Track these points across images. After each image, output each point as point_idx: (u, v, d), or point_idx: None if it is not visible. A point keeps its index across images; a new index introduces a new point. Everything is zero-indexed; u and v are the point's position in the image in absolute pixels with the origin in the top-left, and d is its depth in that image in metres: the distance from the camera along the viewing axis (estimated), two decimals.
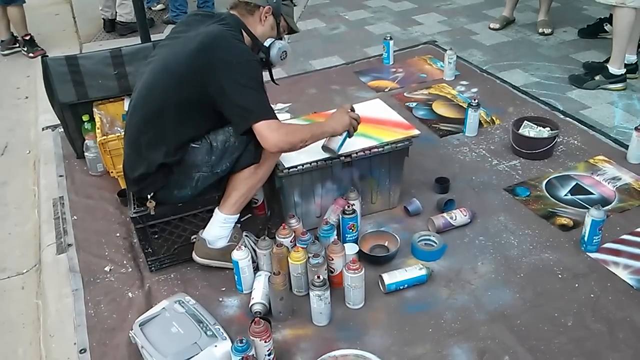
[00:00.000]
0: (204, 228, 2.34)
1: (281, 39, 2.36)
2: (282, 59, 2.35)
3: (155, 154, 2.17)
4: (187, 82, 2.10)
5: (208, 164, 2.21)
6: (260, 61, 2.24)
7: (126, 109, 2.90)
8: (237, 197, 2.28)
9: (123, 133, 2.44)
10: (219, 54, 2.08)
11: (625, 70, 3.64)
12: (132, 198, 2.34)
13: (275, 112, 2.42)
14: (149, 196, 2.25)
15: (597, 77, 3.68)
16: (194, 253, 2.37)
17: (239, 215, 2.35)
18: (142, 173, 2.21)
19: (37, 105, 3.97)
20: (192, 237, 2.37)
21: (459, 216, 2.54)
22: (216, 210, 2.31)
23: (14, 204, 3.18)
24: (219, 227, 2.31)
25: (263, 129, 2.08)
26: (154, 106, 2.17)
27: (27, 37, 4.88)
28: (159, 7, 5.68)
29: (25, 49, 4.91)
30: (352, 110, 2.42)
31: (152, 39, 3.57)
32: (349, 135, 2.37)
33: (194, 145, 2.20)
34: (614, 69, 3.62)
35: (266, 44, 2.30)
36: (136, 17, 3.69)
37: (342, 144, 2.36)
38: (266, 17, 2.26)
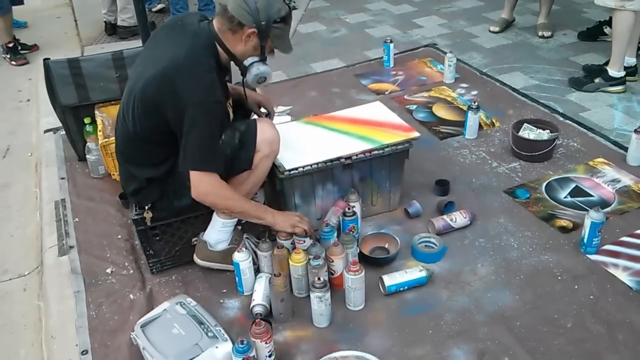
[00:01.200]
0: (204, 230, 2.35)
1: (265, 59, 2.16)
2: (259, 83, 2.19)
3: (141, 169, 2.20)
4: (149, 109, 2.06)
5: None
6: (219, 103, 2.07)
7: None
8: None
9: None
10: (176, 88, 1.98)
11: (624, 72, 3.65)
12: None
13: (276, 114, 2.41)
14: (146, 207, 2.27)
15: (596, 80, 3.69)
16: (195, 255, 2.37)
17: (237, 218, 2.36)
18: (135, 188, 2.24)
19: (39, 108, 3.98)
20: (193, 240, 2.38)
21: (459, 218, 2.55)
22: (214, 214, 2.31)
23: (16, 206, 3.20)
24: (218, 231, 2.32)
25: (194, 179, 2.05)
26: (128, 127, 2.16)
27: (11, 45, 4.88)
28: (159, 6, 5.67)
29: (9, 57, 4.92)
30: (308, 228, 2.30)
31: None
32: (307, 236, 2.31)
33: None
34: (614, 71, 3.63)
35: (245, 63, 2.14)
36: (137, 20, 3.70)
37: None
38: (250, 37, 2.07)
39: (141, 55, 2.27)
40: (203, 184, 2.06)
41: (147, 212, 2.26)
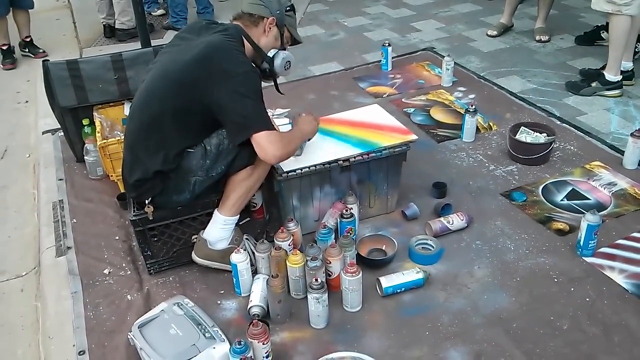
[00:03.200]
0: (204, 229, 2.35)
1: (285, 49, 2.38)
2: (286, 69, 2.37)
3: (153, 160, 2.19)
4: (185, 90, 2.12)
5: (203, 168, 2.21)
6: (259, 72, 2.25)
7: (126, 113, 2.93)
8: (236, 199, 2.29)
9: (123, 137, 2.46)
10: (218, 65, 2.09)
11: (621, 77, 3.67)
12: (132, 201, 2.35)
13: (275, 117, 2.43)
14: (147, 201, 2.27)
15: (593, 84, 3.71)
16: (193, 253, 2.37)
17: (238, 216, 2.36)
18: (139, 178, 2.22)
19: (37, 110, 3.99)
20: (193, 237, 2.38)
21: (455, 220, 2.55)
22: (215, 212, 2.32)
23: (14, 207, 3.20)
24: (219, 229, 2.32)
25: (262, 140, 2.09)
26: (152, 112, 2.19)
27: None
28: (159, 12, 5.71)
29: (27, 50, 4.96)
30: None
31: (152, 44, 3.60)
32: (309, 139, 2.44)
33: (188, 150, 2.21)
34: (610, 75, 3.65)
35: (270, 54, 2.33)
36: (136, 22, 3.72)
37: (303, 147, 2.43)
38: (270, 27, 2.29)
39: (168, 47, 2.36)
40: (273, 144, 2.10)
41: (148, 207, 2.26)
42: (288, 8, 2.33)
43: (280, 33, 2.33)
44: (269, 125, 2.12)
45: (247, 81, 2.11)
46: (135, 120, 2.26)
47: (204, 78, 2.09)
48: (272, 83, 2.48)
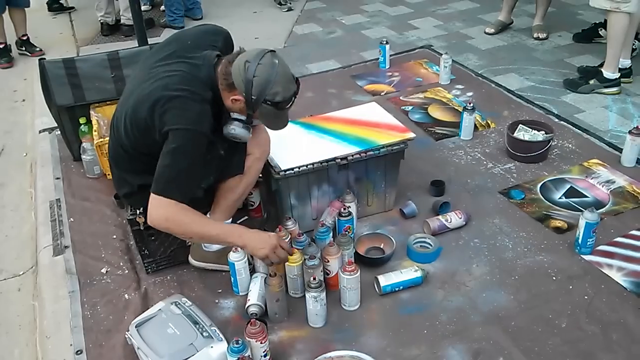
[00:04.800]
0: None
1: (250, 123, 2.09)
2: (229, 138, 2.12)
3: (132, 177, 2.19)
4: (142, 130, 2.03)
5: None
6: (202, 135, 1.98)
7: None
8: (226, 206, 2.28)
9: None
10: (165, 115, 1.94)
11: (619, 74, 3.66)
12: None
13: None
14: (138, 212, 2.27)
15: (591, 81, 3.71)
16: (189, 256, 2.38)
17: (230, 219, 2.35)
18: (127, 192, 2.23)
19: (34, 108, 3.97)
20: (188, 241, 2.38)
21: (454, 219, 2.55)
22: (208, 215, 2.31)
23: (11, 206, 3.19)
24: None
25: (152, 202, 1.96)
26: (122, 138, 2.14)
27: (24, 38, 4.91)
28: (145, 7, 5.65)
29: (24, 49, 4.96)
30: (288, 248, 2.16)
31: (149, 42, 3.60)
32: (266, 262, 2.16)
33: None
34: (609, 73, 3.65)
35: (231, 114, 2.09)
36: (133, 20, 3.72)
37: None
38: (237, 100, 2.02)
39: (142, 63, 2.21)
40: (159, 209, 1.96)
41: (140, 217, 2.26)
42: (269, 102, 1.99)
43: (247, 112, 2.04)
44: (172, 193, 1.94)
45: (181, 140, 1.94)
46: (113, 137, 2.21)
47: (151, 121, 1.97)
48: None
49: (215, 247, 2.34)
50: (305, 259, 2.16)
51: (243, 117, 2.07)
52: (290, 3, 5.52)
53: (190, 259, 2.37)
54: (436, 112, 3.54)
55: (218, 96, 2.05)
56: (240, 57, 2.00)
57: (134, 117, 2.04)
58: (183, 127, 1.93)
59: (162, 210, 1.96)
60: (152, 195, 1.96)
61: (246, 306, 2.18)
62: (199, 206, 2.12)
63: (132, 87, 2.14)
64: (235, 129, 2.08)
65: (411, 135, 2.56)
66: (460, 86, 3.83)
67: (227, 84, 2.01)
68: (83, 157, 3.06)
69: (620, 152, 2.99)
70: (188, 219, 2.00)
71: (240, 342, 1.84)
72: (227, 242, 2.12)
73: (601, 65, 3.75)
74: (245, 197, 2.39)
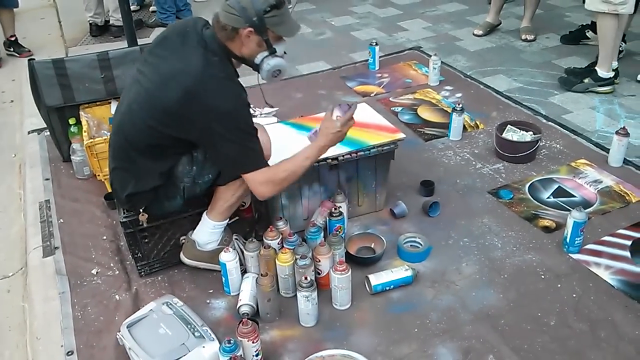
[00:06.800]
0: (193, 229, 2.34)
1: (274, 51, 2.10)
2: (274, 76, 2.16)
3: (145, 179, 2.16)
4: (172, 124, 2.02)
5: (190, 174, 2.17)
6: (247, 105, 2.06)
7: (113, 112, 2.91)
8: (225, 207, 2.27)
9: (108, 138, 2.42)
10: (205, 102, 1.95)
11: (613, 73, 3.68)
12: None
13: (263, 116, 2.39)
14: (140, 210, 2.25)
15: (586, 80, 3.73)
16: (182, 254, 2.37)
17: (227, 220, 2.35)
18: (130, 193, 2.19)
19: (23, 109, 3.95)
20: (182, 239, 2.37)
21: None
22: (204, 216, 2.31)
23: (0, 207, 3.17)
24: (208, 233, 2.32)
25: (252, 182, 2.08)
26: (139, 136, 2.10)
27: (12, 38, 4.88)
28: (133, 7, 5.62)
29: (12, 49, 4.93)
30: (349, 106, 2.19)
31: (138, 43, 3.59)
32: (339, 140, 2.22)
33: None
34: (603, 72, 3.66)
35: (256, 61, 2.10)
36: (123, 21, 3.71)
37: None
38: (249, 37, 2.02)
39: (149, 60, 2.15)
40: (261, 185, 2.08)
41: (142, 215, 2.24)
42: (269, 9, 1.99)
43: (263, 39, 2.04)
44: (257, 164, 2.06)
45: (236, 118, 1.99)
46: (121, 136, 2.16)
47: (188, 114, 1.97)
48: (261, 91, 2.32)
49: (210, 247, 2.34)
50: (296, 259, 2.17)
51: (265, 52, 2.08)
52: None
53: (182, 256, 2.36)
54: (425, 113, 3.56)
55: (233, 66, 2.10)
56: (220, 7, 2.03)
57: (165, 113, 2.00)
58: (229, 109, 1.98)
59: (263, 185, 2.08)
60: (244, 178, 2.08)
61: (238, 306, 2.18)
62: (197, 205, 2.21)
63: (144, 87, 2.08)
64: (269, 62, 2.10)
65: (401, 135, 2.58)
66: (449, 87, 3.86)
67: (229, 34, 2.02)
68: (72, 158, 3.04)
69: (608, 153, 3.03)
70: (285, 172, 2.11)
71: (232, 341, 1.85)
72: (315, 159, 2.18)
73: (589, 66, 3.78)
74: (243, 198, 2.38)
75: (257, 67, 2.13)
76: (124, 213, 2.28)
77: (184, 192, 2.22)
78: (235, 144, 2.02)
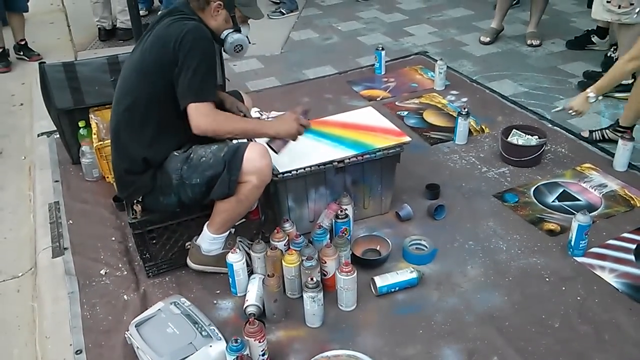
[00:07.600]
0: (199, 235, 2.36)
1: (239, 30, 2.30)
2: (236, 52, 2.33)
3: (133, 148, 2.22)
4: (154, 73, 2.15)
5: (179, 172, 2.21)
6: (214, 48, 2.22)
7: None
8: (224, 221, 2.29)
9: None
10: (183, 34, 2.09)
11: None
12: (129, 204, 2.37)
13: (270, 120, 2.40)
14: (136, 201, 2.29)
15: None
16: (188, 259, 2.40)
17: (227, 232, 2.37)
18: (127, 168, 2.25)
19: (32, 112, 4.00)
20: (187, 244, 2.40)
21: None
22: (205, 227, 2.33)
23: (10, 208, 3.20)
24: (209, 243, 2.34)
25: (192, 111, 2.12)
26: (126, 104, 2.21)
27: (22, 42, 4.94)
28: (142, 12, 5.67)
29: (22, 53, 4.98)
30: (306, 113, 2.37)
31: None
32: (293, 139, 2.34)
33: (175, 153, 2.24)
34: None
35: (221, 35, 2.29)
36: (132, 24, 3.75)
37: (285, 146, 2.35)
38: (218, 11, 2.22)
39: (136, 46, 2.34)
40: (201, 116, 2.11)
41: (137, 205, 2.28)
42: None
43: (230, 15, 2.25)
44: (202, 97, 2.12)
45: (200, 47, 2.11)
46: (114, 118, 2.29)
47: (170, 45, 2.10)
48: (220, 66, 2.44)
49: (214, 253, 2.37)
50: (302, 260, 2.19)
51: (230, 28, 2.28)
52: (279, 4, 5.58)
53: (188, 261, 2.39)
54: (431, 117, 3.58)
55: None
56: None
57: (146, 64, 2.16)
58: (200, 37, 2.11)
59: (204, 116, 2.12)
60: (189, 107, 2.11)
61: (244, 306, 2.20)
62: (193, 210, 2.26)
63: (128, 61, 2.28)
64: (233, 36, 2.28)
65: (407, 139, 2.60)
66: (454, 92, 3.88)
67: (200, 5, 2.21)
68: (82, 160, 3.08)
69: (612, 157, 3.04)
70: (228, 117, 2.25)
71: (239, 341, 1.87)
72: (262, 132, 2.31)
73: (603, 71, 3.77)
74: (243, 215, 2.40)
75: (221, 42, 2.30)
76: (133, 214, 2.31)
77: (177, 191, 2.25)
78: (192, 73, 2.09)
